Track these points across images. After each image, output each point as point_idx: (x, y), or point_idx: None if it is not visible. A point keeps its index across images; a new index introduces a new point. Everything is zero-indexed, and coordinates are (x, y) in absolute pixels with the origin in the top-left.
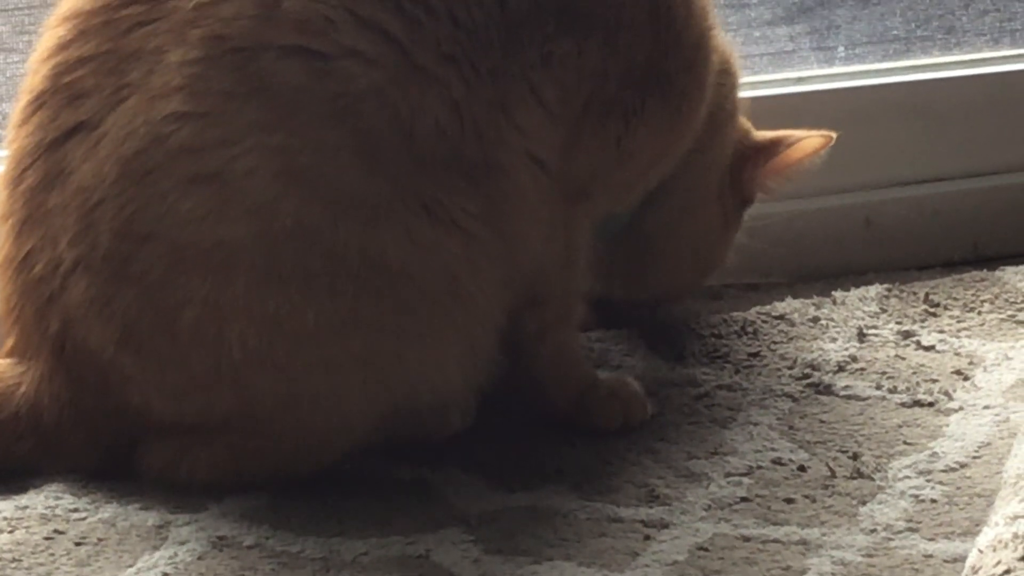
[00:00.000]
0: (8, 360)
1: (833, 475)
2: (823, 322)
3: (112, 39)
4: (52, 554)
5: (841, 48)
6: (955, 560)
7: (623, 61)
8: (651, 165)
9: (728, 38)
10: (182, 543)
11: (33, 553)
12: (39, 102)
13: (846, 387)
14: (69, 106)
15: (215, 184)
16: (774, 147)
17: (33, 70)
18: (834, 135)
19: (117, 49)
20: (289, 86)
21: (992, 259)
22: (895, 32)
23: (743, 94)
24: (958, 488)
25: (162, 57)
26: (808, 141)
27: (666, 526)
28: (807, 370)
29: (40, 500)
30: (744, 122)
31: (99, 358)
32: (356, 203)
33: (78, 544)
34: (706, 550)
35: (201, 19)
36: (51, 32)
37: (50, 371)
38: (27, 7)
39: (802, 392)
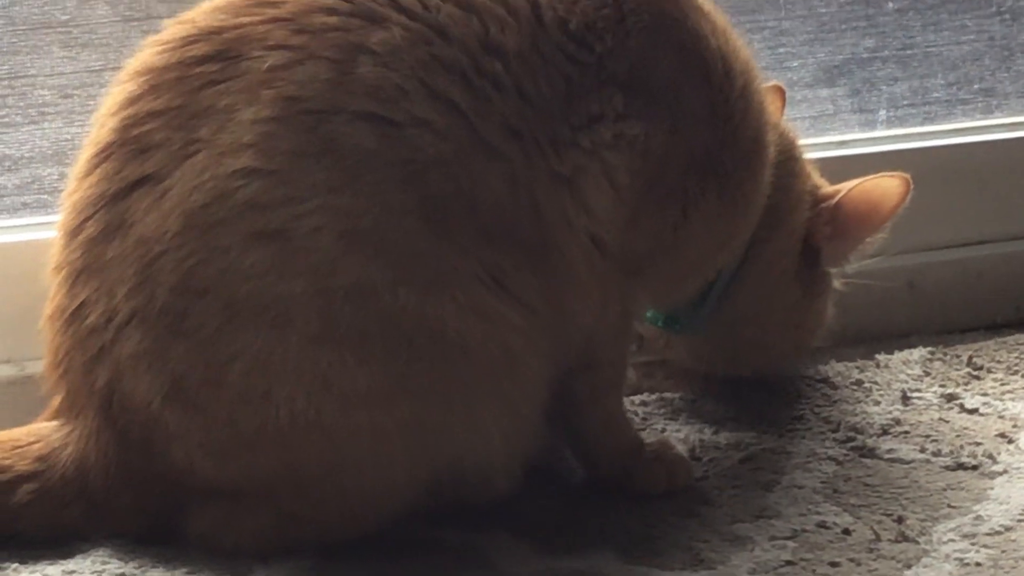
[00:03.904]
0: (54, 423)
1: (878, 538)
2: (867, 385)
3: (184, 95)
4: None
5: (883, 111)
6: None
7: (684, 150)
8: (705, 256)
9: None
10: None
11: None
12: (105, 154)
13: (890, 450)
14: (136, 159)
15: (279, 241)
16: (834, 194)
17: (100, 123)
18: (909, 176)
19: (188, 105)
20: (359, 149)
21: None
22: (936, 95)
23: None
24: (1003, 551)
25: (233, 115)
26: (876, 181)
27: None
28: (851, 433)
29: (87, 565)
30: (817, 182)
31: (145, 413)
32: (418, 268)
33: None
34: None
35: (274, 80)
36: (121, 87)
37: (97, 428)
38: (71, 72)
39: (846, 455)
